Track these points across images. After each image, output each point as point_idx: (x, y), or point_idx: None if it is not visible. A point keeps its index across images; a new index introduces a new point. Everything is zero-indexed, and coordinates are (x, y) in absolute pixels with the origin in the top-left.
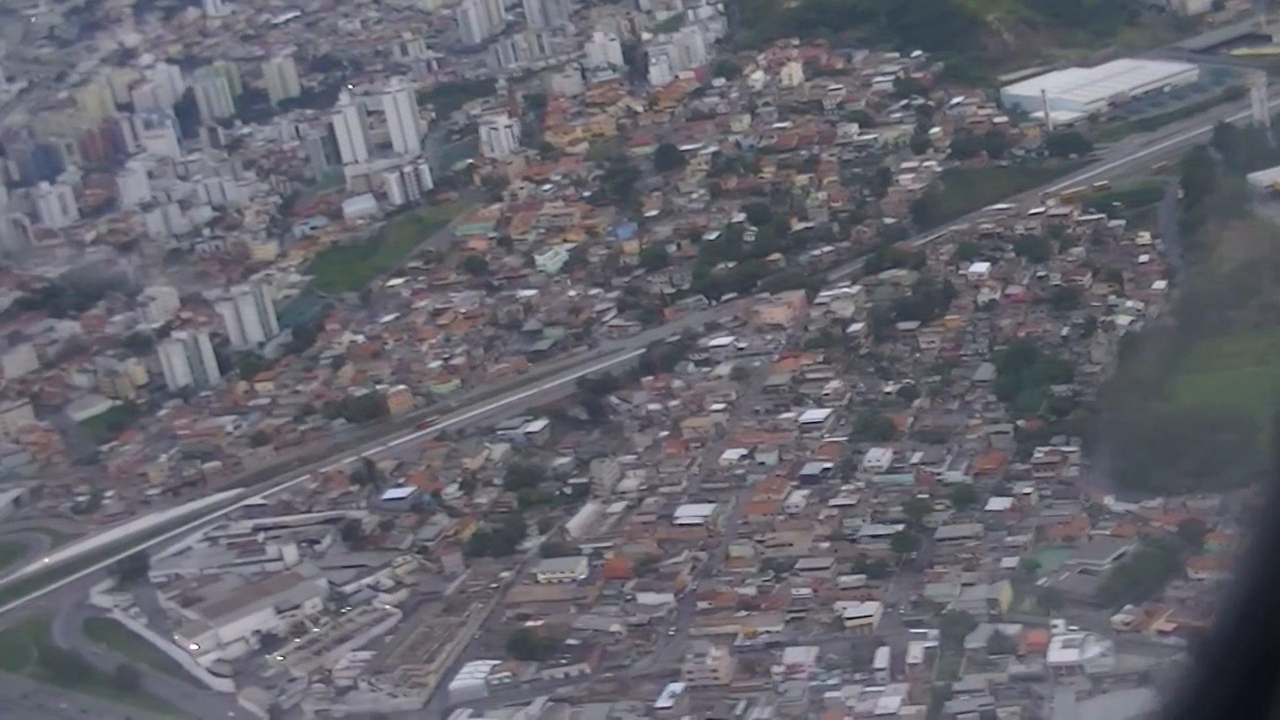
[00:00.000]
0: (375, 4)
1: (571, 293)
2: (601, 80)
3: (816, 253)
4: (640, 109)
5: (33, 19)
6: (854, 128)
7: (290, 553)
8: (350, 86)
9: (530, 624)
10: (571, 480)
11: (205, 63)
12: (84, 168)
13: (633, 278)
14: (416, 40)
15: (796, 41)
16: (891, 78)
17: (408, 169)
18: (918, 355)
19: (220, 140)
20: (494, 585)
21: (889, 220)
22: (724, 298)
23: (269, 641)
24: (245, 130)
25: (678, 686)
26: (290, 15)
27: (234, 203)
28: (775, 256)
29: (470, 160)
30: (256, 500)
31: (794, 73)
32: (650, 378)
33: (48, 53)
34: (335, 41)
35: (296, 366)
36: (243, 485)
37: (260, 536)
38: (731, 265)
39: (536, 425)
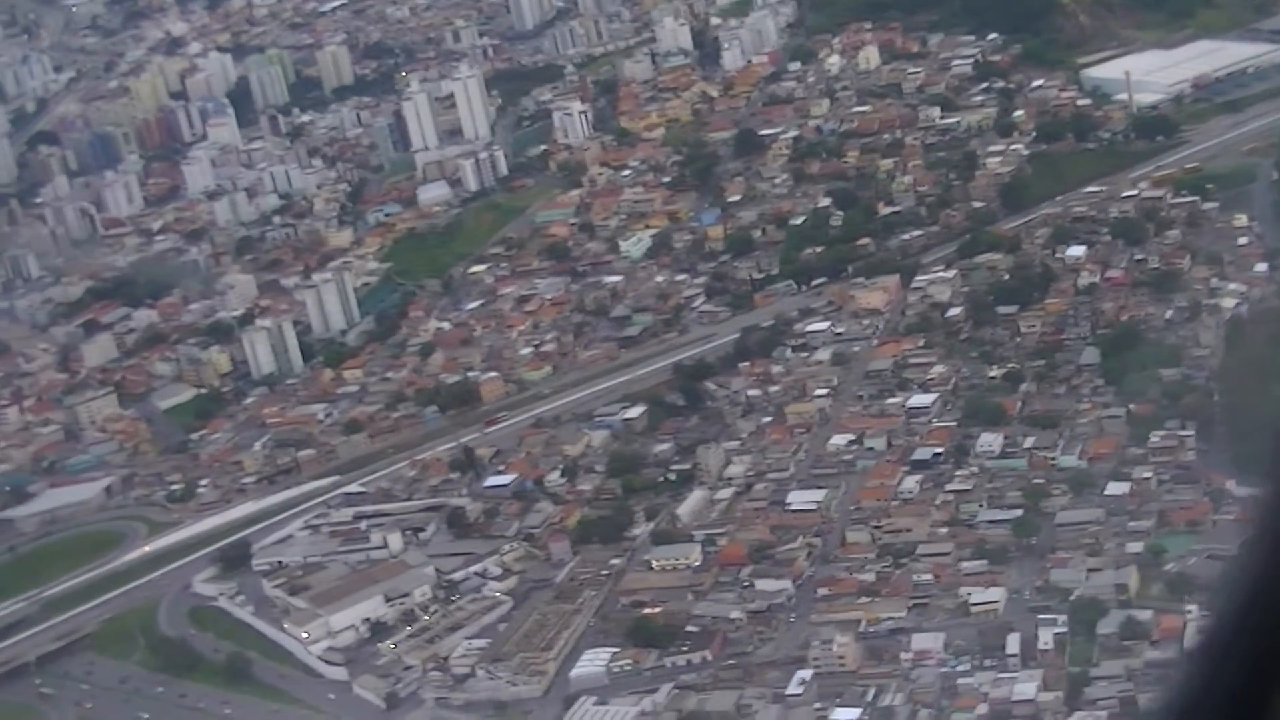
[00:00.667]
0: None
1: (659, 279)
2: (673, 65)
3: (906, 237)
4: (715, 94)
5: (74, 8)
6: (936, 111)
7: (395, 540)
8: (404, 73)
9: (647, 611)
10: (674, 467)
11: (255, 51)
12: (144, 156)
13: (719, 263)
14: (469, 27)
15: (869, 25)
16: (970, 61)
17: (483, 155)
18: (1018, 339)
19: (281, 128)
20: (605, 572)
21: (977, 204)
22: (814, 283)
23: (379, 629)
24: (305, 118)
25: (806, 673)
26: (338, 3)
27: (300, 190)
28: (864, 241)
29: (544, 146)
30: (355, 488)
31: (870, 56)
32: (747, 363)
33: (92, 42)
34: (385, 29)
35: (382, 354)
36: (338, 473)
37: (363, 524)
38: (819, 250)
39: (634, 412)
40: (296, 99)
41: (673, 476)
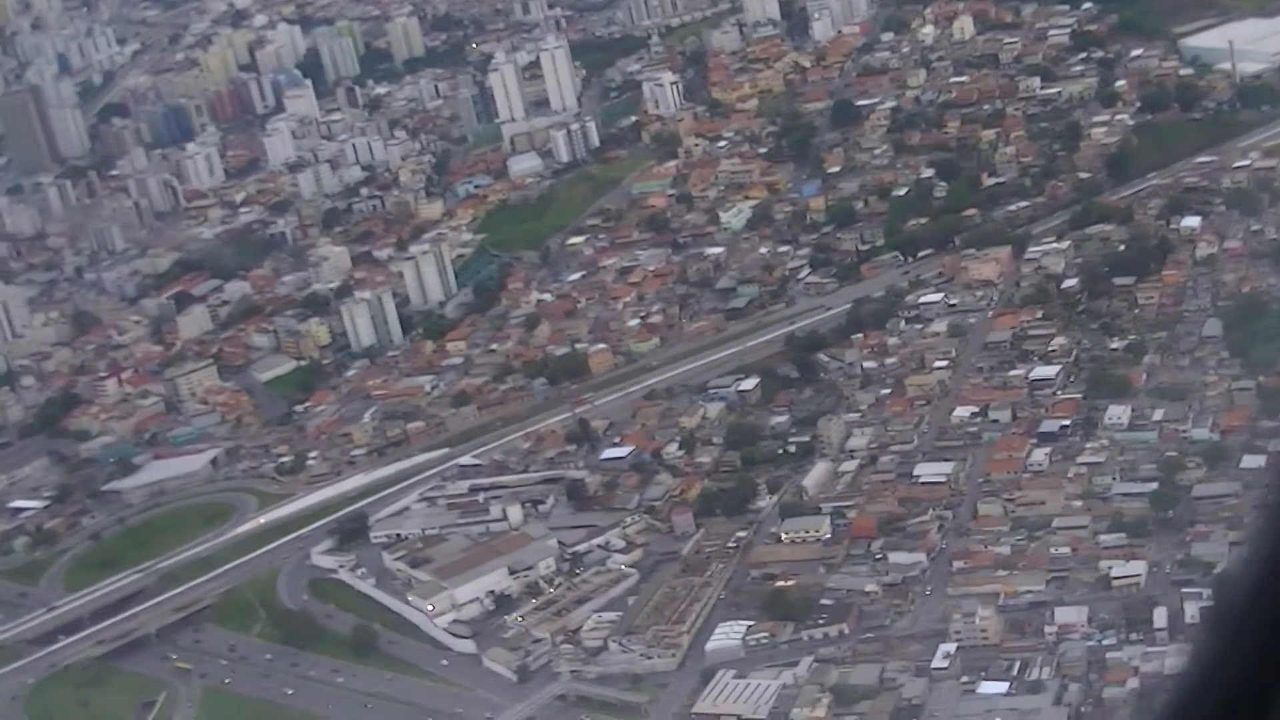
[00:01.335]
0: None
1: (762, 250)
2: (762, 36)
3: (1012, 208)
4: (808, 64)
5: None
6: (1036, 81)
7: (515, 513)
8: (474, 45)
9: (780, 584)
10: (792, 439)
11: (321, 23)
12: (221, 128)
13: (821, 235)
14: None
15: None
16: (1066, 31)
17: (574, 126)
18: (1137, 311)
19: (357, 100)
20: (732, 545)
21: (1083, 175)
22: (921, 254)
23: (504, 602)
24: (382, 90)
25: (949, 646)
26: None
27: (384, 162)
28: (970, 212)
29: (634, 117)
30: (469, 460)
31: (965, 26)
32: (860, 335)
33: (154, 15)
34: (450, 1)
35: (484, 326)
36: (447, 445)
37: (480, 497)
38: (924, 221)
39: (748, 384)
40: (367, 71)
41: (792, 448)
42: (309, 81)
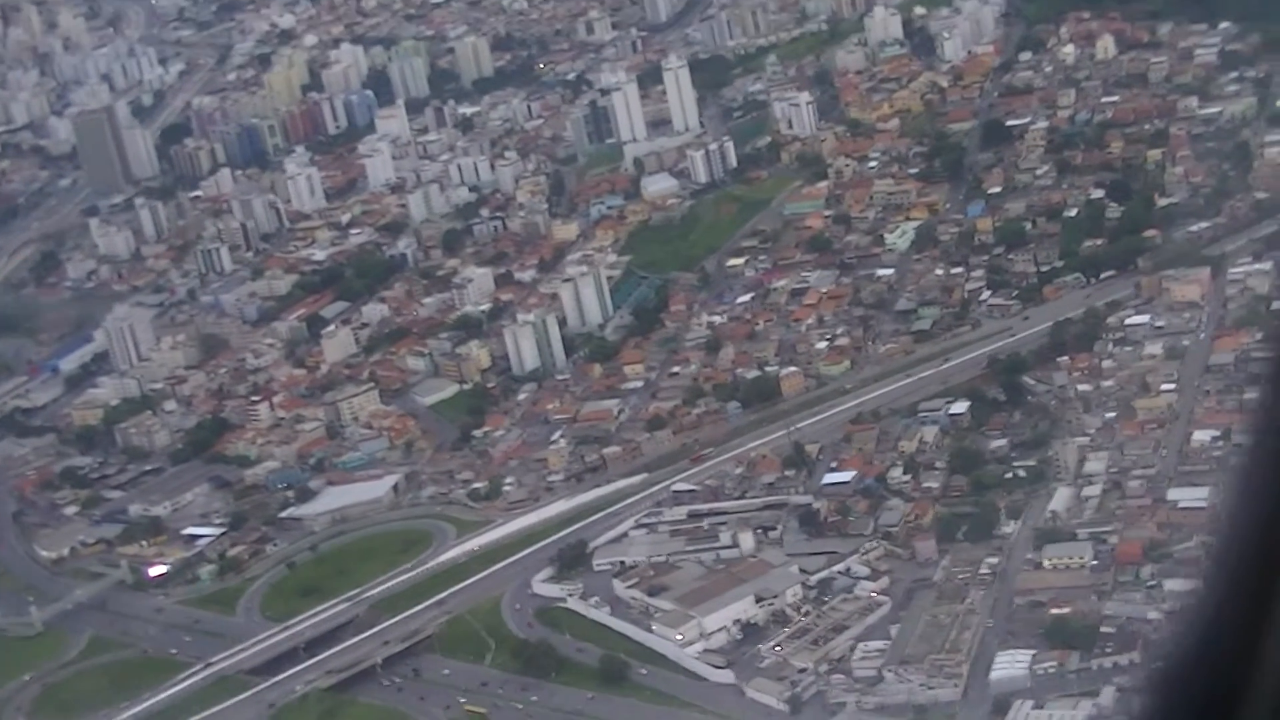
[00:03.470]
0: None
1: (936, 272)
2: (889, 55)
3: (1194, 229)
4: (945, 84)
5: (154, 1)
6: (1194, 101)
7: (747, 539)
8: (542, 65)
9: (1057, 611)
10: (1016, 462)
11: (374, 43)
12: (309, 148)
13: (993, 256)
14: (602, 19)
15: (1087, 14)
16: (1214, 49)
17: (712, 147)
18: None
19: (446, 119)
20: (985, 572)
21: (1260, 195)
22: (1103, 275)
23: (750, 631)
24: (465, 110)
25: None
26: None
27: (490, 183)
28: (1150, 233)
29: (768, 137)
30: (683, 485)
31: (1108, 46)
32: (1067, 358)
33: (188, 35)
34: (508, 21)
35: (654, 348)
36: (646, 470)
37: (705, 523)
38: (1100, 243)
39: (959, 407)
40: (435, 91)
41: (1021, 473)
42: (400, 101)
